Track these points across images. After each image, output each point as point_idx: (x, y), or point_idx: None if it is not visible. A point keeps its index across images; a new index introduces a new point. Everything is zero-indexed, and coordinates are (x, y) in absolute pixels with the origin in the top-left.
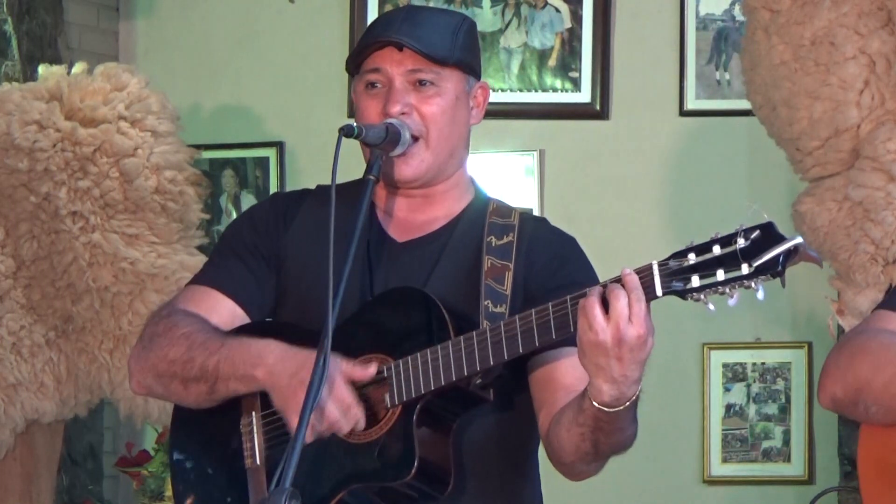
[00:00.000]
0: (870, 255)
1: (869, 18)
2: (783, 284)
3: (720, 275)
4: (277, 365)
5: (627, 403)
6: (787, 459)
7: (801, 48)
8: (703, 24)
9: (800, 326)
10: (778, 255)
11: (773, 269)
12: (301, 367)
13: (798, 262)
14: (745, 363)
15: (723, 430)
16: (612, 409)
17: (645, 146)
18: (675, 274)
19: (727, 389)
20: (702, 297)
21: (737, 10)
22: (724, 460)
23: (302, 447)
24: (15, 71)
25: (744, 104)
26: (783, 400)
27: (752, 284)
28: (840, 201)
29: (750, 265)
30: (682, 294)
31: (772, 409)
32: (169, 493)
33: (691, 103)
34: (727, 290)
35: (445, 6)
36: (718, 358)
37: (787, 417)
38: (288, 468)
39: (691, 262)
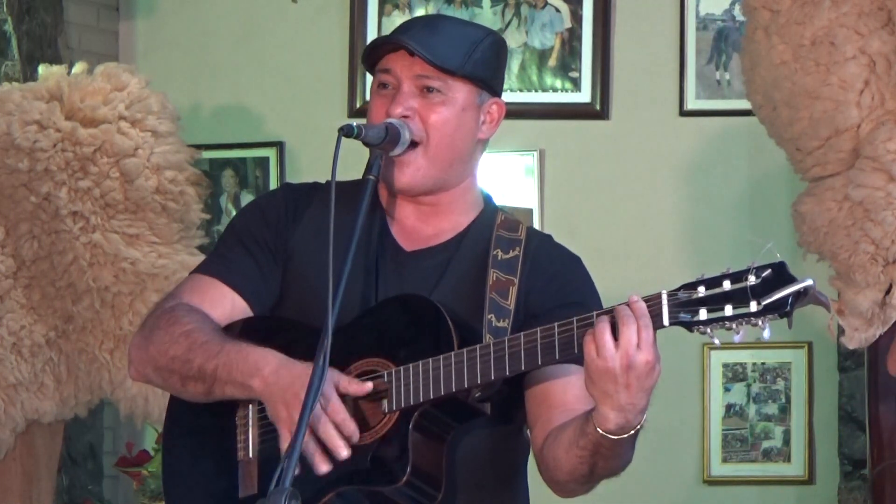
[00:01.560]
0: (870, 255)
1: (869, 18)
2: (790, 325)
3: (728, 310)
4: (273, 377)
5: (632, 432)
6: (787, 459)
7: (802, 48)
8: (703, 24)
9: (800, 326)
10: (787, 296)
11: (782, 310)
12: (296, 378)
13: (807, 304)
14: (745, 363)
15: (723, 430)
16: (615, 437)
17: (645, 146)
18: (684, 305)
19: (727, 389)
20: (708, 330)
21: (737, 10)
22: (724, 460)
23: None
24: (15, 71)
25: (744, 104)
26: (783, 400)
27: (759, 322)
28: (840, 201)
29: (759, 303)
30: (689, 326)
31: (772, 409)
32: None
33: (691, 103)
34: (734, 325)
35: (445, 6)
36: (718, 358)
37: (787, 417)
38: (288, 468)
39: (700, 294)
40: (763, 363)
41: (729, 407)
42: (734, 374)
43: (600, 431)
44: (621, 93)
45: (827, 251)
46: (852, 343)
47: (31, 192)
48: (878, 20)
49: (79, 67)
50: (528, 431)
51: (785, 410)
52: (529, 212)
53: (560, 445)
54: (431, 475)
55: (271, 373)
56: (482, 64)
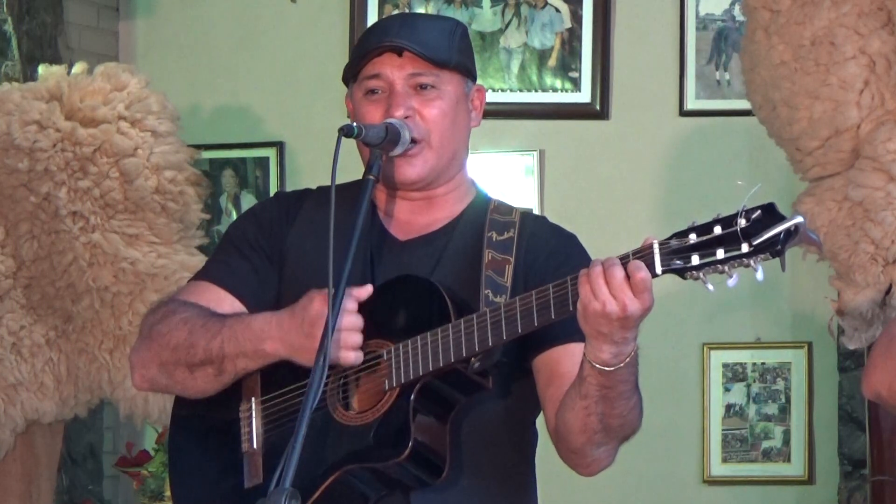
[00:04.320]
0: (870, 255)
1: (869, 18)
2: (783, 267)
3: (720, 253)
4: (283, 331)
5: (627, 360)
6: (787, 459)
7: (801, 48)
8: (703, 24)
9: (800, 326)
10: (778, 234)
11: (773, 248)
12: (299, 320)
13: (799, 242)
14: (745, 363)
15: (723, 430)
16: (611, 368)
17: (645, 146)
18: (676, 253)
19: (727, 389)
20: (701, 275)
21: (737, 10)
22: (724, 460)
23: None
24: (15, 71)
25: (744, 104)
26: (783, 400)
27: (752, 263)
28: (840, 201)
29: (750, 244)
30: (682, 272)
31: (772, 409)
32: (169, 492)
33: (691, 103)
34: (726, 268)
35: (445, 6)
36: (718, 358)
37: (787, 417)
38: (288, 468)
39: (692, 241)
40: (763, 363)
41: (729, 407)
42: (734, 374)
43: (597, 366)
44: (621, 93)
45: (827, 251)
46: (852, 343)
47: (31, 192)
48: (878, 20)
49: (79, 67)
50: (535, 426)
51: (785, 410)
52: (529, 212)
53: (566, 407)
54: (435, 452)
55: (279, 328)
56: (463, 52)
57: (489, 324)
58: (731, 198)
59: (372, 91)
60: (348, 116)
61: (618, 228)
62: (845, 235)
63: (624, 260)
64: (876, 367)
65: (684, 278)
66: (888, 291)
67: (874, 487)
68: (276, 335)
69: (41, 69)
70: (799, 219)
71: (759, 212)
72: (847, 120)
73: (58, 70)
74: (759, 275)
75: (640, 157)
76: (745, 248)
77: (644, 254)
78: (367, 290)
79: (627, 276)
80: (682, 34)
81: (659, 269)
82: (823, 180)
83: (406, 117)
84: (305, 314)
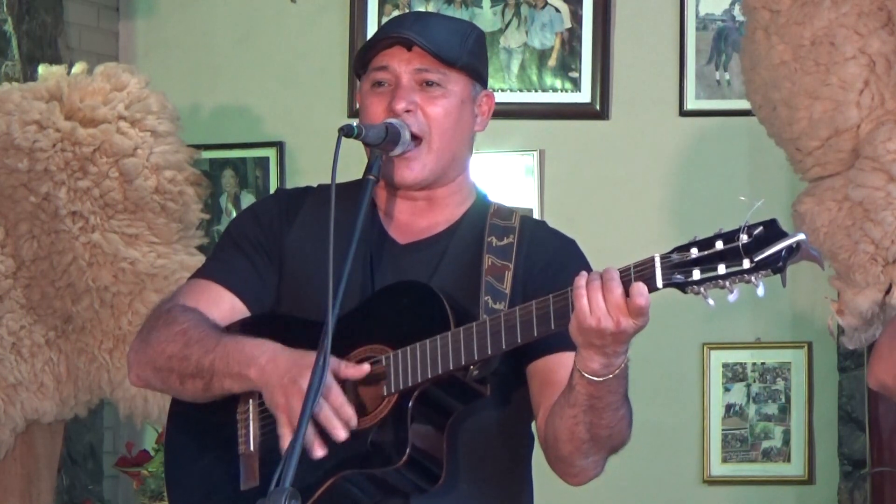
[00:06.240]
0: (870, 255)
1: (869, 18)
2: (784, 283)
3: (721, 269)
4: (269, 364)
5: (617, 371)
6: (787, 459)
7: (801, 48)
8: (703, 24)
9: (800, 326)
10: (779, 251)
11: (774, 265)
12: (292, 365)
13: (800, 259)
14: (745, 363)
15: (723, 430)
16: (601, 378)
17: (645, 146)
18: (677, 267)
19: (727, 389)
20: (702, 290)
21: (737, 10)
22: (724, 460)
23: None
24: (15, 71)
25: (744, 104)
26: (783, 400)
27: (753, 279)
28: (840, 201)
29: (751, 260)
30: (682, 286)
31: (772, 409)
32: None
33: (691, 103)
34: (727, 283)
35: (445, 6)
36: (718, 358)
37: (787, 417)
38: (288, 468)
39: (693, 255)
40: (763, 363)
41: (729, 407)
42: (734, 374)
43: (586, 375)
44: (621, 93)
45: (827, 251)
46: (852, 343)
47: (31, 192)
48: (878, 20)
49: (79, 67)
50: (533, 425)
51: (785, 410)
52: (529, 212)
53: (555, 414)
54: (432, 458)
55: (268, 361)
56: (474, 55)
57: (488, 333)
58: (731, 198)
59: (378, 83)
60: (353, 108)
61: (618, 229)
62: (845, 235)
63: (624, 274)
64: (882, 357)
65: (685, 292)
66: (888, 291)
67: (874, 480)
68: (263, 365)
69: (41, 69)
70: (801, 236)
71: (760, 228)
72: (847, 120)
73: (58, 70)
74: (760, 290)
75: (640, 157)
76: (746, 264)
77: (645, 267)
78: (362, 370)
79: (626, 294)
80: (682, 34)
81: (660, 283)
82: (823, 180)
83: (407, 111)
84: (293, 368)
